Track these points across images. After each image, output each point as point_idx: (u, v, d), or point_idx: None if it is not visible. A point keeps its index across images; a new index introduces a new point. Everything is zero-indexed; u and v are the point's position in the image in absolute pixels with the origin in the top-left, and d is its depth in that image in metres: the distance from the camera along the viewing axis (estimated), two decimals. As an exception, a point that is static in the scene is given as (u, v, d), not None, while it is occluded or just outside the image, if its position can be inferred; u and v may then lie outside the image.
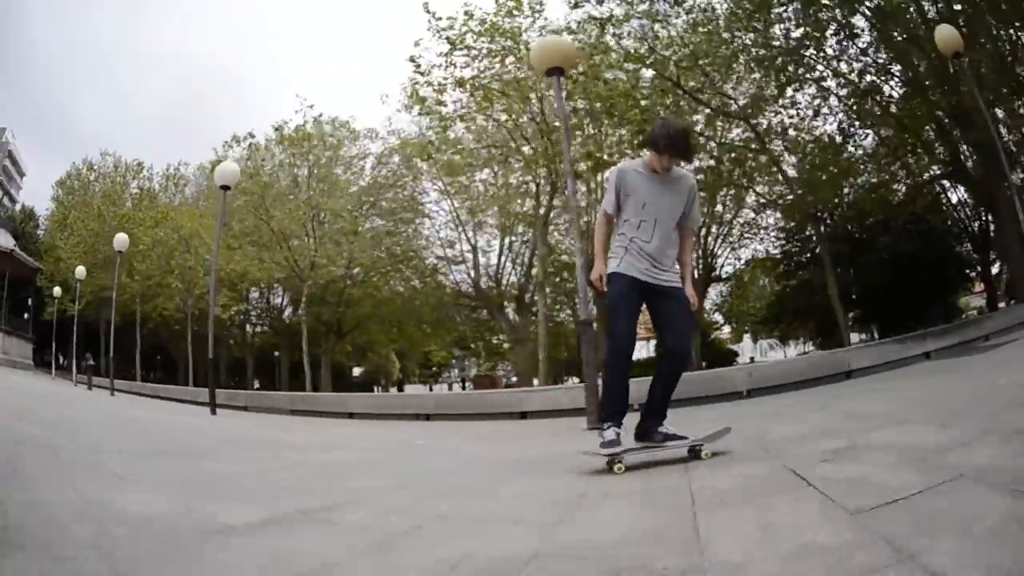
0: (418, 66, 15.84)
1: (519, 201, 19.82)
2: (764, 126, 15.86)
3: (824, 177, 15.05)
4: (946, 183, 17.59)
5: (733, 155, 16.07)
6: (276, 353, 30.47)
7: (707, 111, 15.71)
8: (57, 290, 24.08)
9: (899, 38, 13.08)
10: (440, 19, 15.06)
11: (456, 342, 33.08)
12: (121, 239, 16.57)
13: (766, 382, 8.64)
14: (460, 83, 15.30)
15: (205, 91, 67.38)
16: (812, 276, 20.20)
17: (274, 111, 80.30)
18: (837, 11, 13.51)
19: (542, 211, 17.95)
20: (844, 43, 14.39)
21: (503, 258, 23.97)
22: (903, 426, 3.15)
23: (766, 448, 3.21)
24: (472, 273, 23.97)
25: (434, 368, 44.49)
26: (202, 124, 61.20)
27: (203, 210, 26.39)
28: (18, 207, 39.56)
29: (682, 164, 3.26)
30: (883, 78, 14.91)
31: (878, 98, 14.92)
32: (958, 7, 12.46)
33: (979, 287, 22.74)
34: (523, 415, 8.61)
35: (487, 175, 20.18)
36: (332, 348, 28.62)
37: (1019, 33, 12.41)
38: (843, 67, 14.96)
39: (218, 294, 25.66)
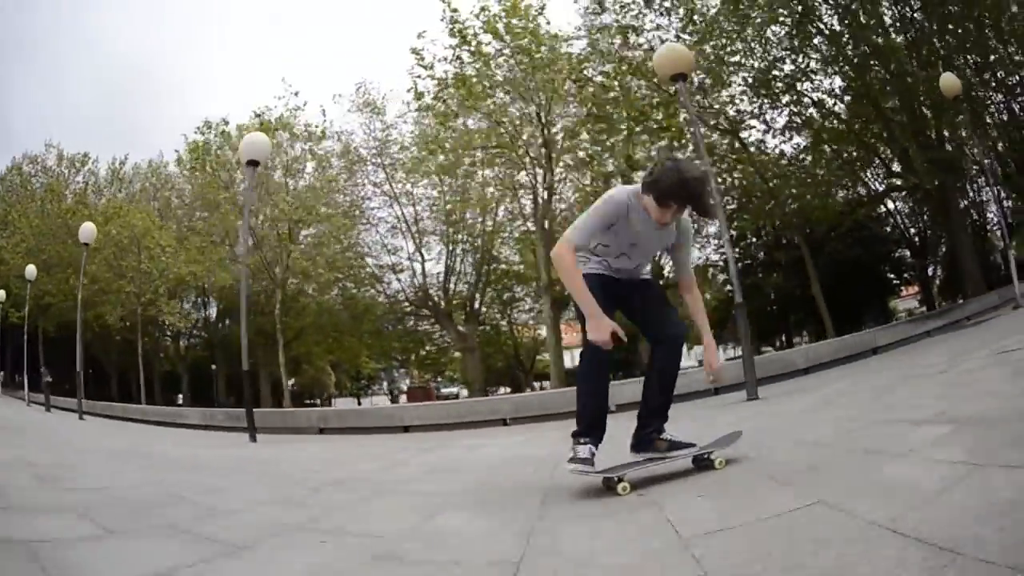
0: (421, 58, 15.97)
1: (510, 201, 20.07)
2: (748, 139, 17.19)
3: (794, 190, 16.53)
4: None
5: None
6: (213, 367, 28.73)
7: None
8: (0, 293, 21.83)
9: (861, 59, 14.71)
10: (456, 10, 15.27)
11: (386, 353, 32.63)
12: (88, 229, 14.82)
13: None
14: (462, 80, 15.49)
15: (141, 87, 62.54)
16: (757, 282, 22.03)
17: (215, 108, 75.92)
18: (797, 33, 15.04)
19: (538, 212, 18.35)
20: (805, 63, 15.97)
21: (450, 267, 24.24)
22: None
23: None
24: (420, 280, 24.17)
25: (363, 381, 43.53)
26: (137, 121, 56.88)
27: (151, 209, 25.80)
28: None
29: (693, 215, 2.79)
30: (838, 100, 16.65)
31: (838, 117, 16.60)
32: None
33: (909, 291, 25.56)
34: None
35: (484, 175, 20.23)
36: (270, 360, 27.34)
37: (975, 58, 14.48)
38: (807, 87, 16.53)
39: (166, 303, 24.32)
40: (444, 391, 39.50)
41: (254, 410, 8.57)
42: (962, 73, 13.97)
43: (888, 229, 21.28)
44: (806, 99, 16.88)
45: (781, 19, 14.77)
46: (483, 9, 15.59)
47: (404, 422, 9.90)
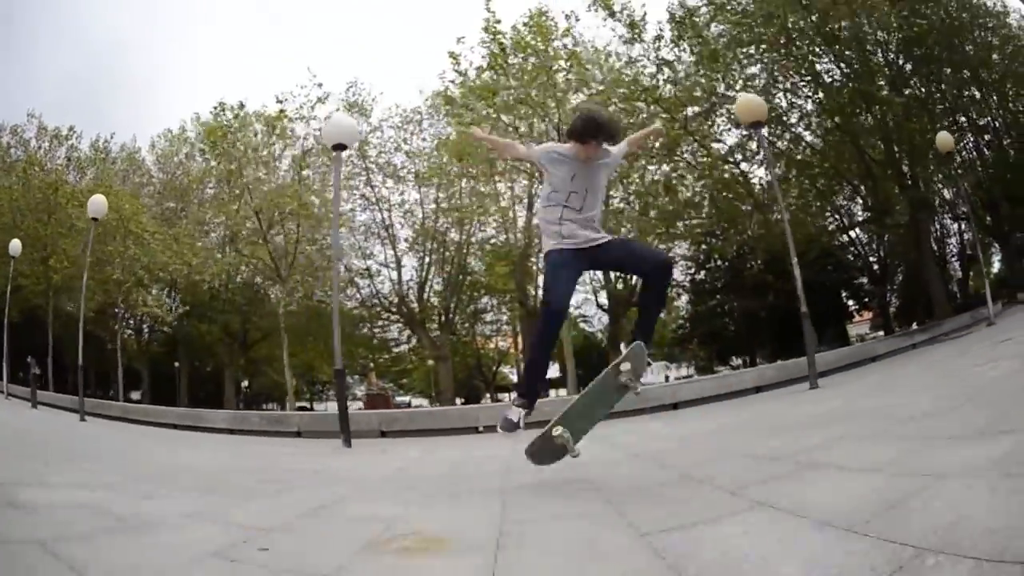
0: (457, 63, 16.71)
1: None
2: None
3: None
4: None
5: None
6: (176, 364, 27.85)
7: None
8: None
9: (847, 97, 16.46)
10: (499, 22, 16.55)
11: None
12: (98, 203, 13.17)
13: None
14: (492, 92, 16.34)
15: (114, 71, 59.49)
16: (720, 303, 23.73)
17: (192, 99, 73.15)
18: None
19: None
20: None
21: (424, 275, 24.55)
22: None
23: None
24: (394, 287, 24.51)
25: (318, 386, 42.96)
26: (110, 107, 54.05)
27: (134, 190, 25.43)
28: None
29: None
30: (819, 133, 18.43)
31: (815, 150, 18.33)
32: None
33: (862, 317, 27.90)
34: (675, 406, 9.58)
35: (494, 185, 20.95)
36: (236, 360, 26.93)
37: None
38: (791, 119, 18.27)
39: (149, 293, 23.59)
40: (396, 399, 39.49)
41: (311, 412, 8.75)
42: (933, 113, 16.00)
43: (851, 257, 23.18)
44: (787, 132, 18.46)
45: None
46: (513, 28, 16.64)
47: (479, 422, 9.73)
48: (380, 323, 27.78)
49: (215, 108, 22.91)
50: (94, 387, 23.56)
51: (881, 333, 23.00)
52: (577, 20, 17.81)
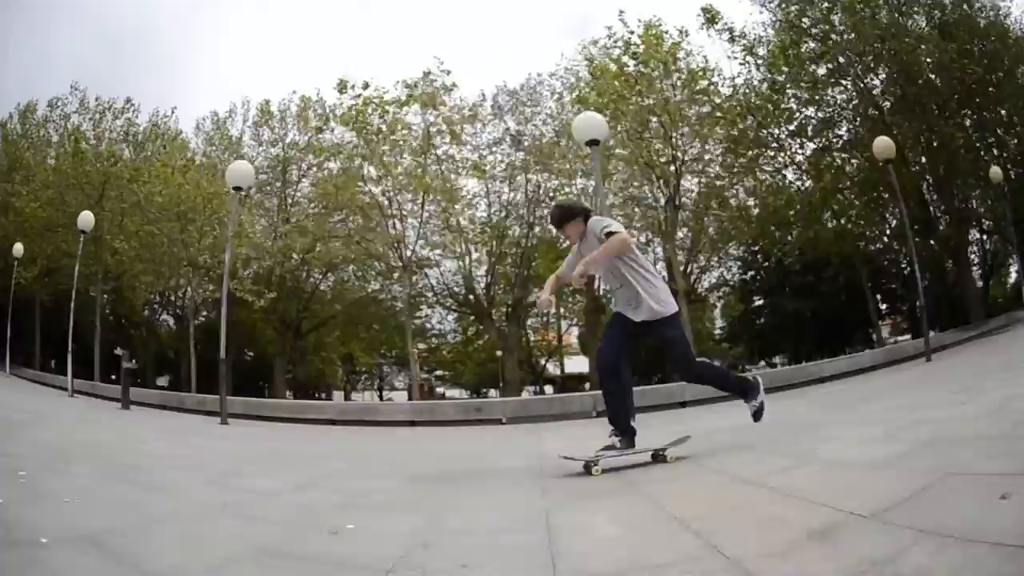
0: (592, 63, 20.44)
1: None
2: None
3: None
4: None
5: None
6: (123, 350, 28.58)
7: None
8: (18, 248, 20.41)
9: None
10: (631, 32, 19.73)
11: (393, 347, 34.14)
12: (242, 171, 12.08)
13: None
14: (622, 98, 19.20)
15: (136, 54, 58.86)
16: (775, 301, 26.19)
17: (220, 85, 72.96)
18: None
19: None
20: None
21: (491, 268, 26.52)
22: None
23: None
24: (464, 278, 26.35)
25: (356, 375, 43.99)
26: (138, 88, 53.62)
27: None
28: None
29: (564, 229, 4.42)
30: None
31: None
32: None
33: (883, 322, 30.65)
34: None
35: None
36: (288, 349, 28.05)
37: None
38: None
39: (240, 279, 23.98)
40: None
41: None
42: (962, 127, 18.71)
43: (886, 262, 25.47)
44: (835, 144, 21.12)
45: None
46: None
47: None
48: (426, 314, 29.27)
49: (339, 86, 23.12)
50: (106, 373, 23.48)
51: (908, 336, 25.87)
52: (686, 36, 20.15)
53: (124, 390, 12.32)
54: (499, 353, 27.28)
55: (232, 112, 28.27)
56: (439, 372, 41.83)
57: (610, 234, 3.97)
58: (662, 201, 21.45)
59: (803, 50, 19.57)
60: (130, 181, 23.65)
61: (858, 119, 20.26)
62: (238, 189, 11.42)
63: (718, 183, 22.32)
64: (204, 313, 28.70)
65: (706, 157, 22.04)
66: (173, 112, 27.33)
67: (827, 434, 4.47)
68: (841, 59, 19.31)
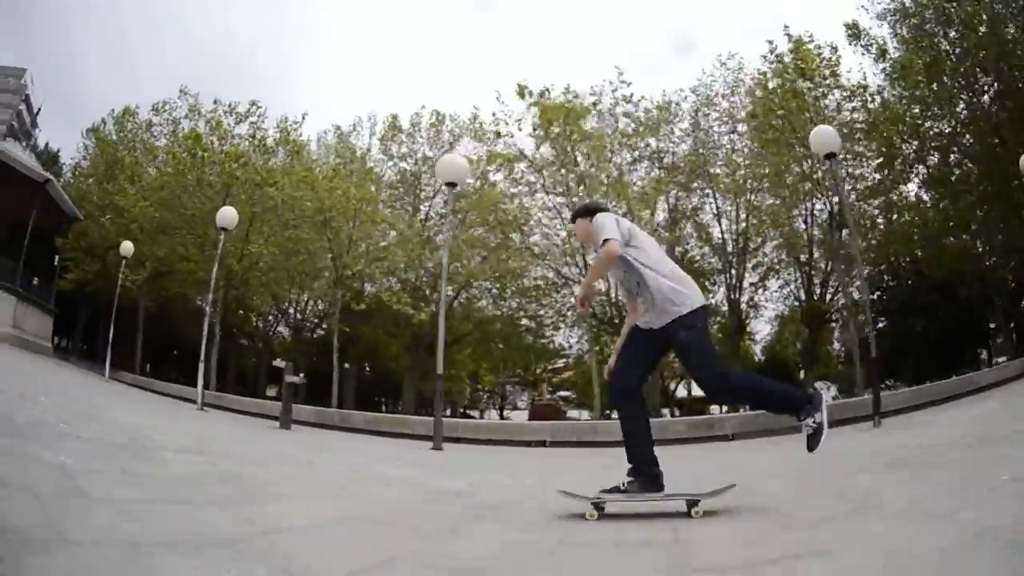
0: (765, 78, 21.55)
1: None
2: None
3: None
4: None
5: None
6: (346, 365, 28.45)
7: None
8: (128, 246, 19.94)
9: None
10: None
11: (524, 365, 34.30)
12: (458, 165, 11.50)
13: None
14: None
15: (220, 69, 59.57)
16: (904, 321, 27.16)
17: (302, 100, 74.57)
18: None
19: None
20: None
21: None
22: None
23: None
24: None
25: (480, 393, 43.80)
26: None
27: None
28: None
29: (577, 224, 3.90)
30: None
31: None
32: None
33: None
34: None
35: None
36: (420, 364, 27.70)
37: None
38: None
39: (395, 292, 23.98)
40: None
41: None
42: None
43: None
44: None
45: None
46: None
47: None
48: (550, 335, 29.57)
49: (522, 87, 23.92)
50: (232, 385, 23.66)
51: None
52: (837, 53, 21.63)
53: (286, 408, 10.95)
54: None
55: (356, 126, 28.69)
56: (563, 392, 41.69)
57: (603, 243, 3.48)
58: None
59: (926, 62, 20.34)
60: (262, 185, 24.03)
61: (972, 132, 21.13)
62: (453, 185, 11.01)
63: (872, 201, 23.44)
64: (323, 325, 28.59)
65: (856, 172, 23.23)
66: (303, 119, 27.56)
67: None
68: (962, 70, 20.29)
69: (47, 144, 36.20)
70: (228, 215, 14.67)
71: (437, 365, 10.03)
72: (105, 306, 26.66)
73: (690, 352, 3.48)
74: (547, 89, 23.79)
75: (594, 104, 23.69)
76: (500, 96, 24.38)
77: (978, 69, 19.95)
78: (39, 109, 38.77)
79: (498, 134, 24.84)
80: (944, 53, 20.10)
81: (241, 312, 28.43)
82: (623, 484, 3.44)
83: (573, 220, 3.91)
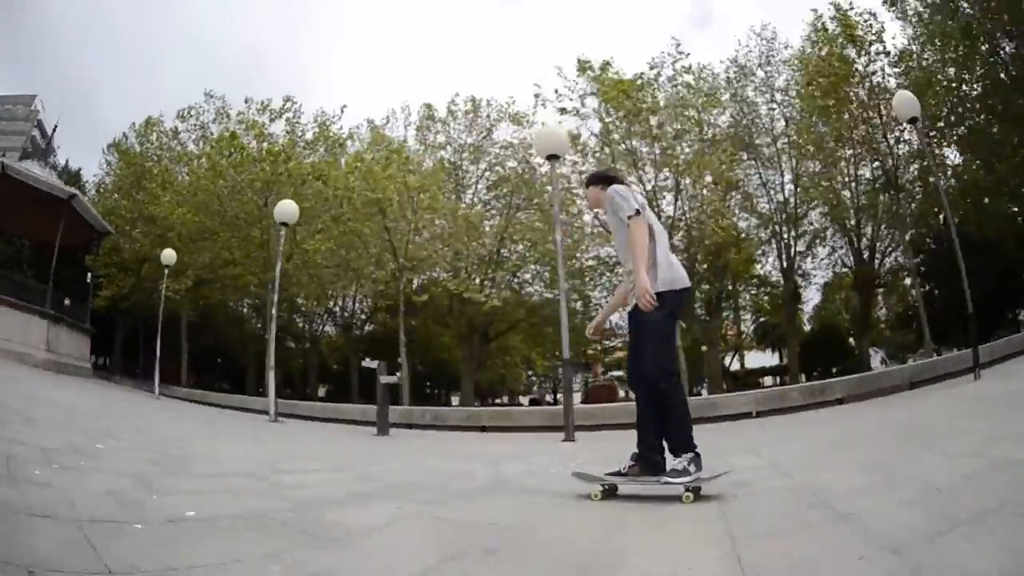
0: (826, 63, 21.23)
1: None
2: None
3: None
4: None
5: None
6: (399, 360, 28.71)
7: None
8: (170, 253, 19.46)
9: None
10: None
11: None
12: (558, 137, 10.78)
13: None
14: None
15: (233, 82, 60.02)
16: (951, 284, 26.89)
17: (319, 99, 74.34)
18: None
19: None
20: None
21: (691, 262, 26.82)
22: None
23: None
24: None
25: (533, 377, 44.08)
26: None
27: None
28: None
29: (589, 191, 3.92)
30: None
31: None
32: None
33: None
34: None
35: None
36: (476, 355, 28.00)
37: None
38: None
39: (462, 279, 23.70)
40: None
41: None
42: None
43: None
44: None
45: None
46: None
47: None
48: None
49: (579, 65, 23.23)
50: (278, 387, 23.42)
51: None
52: (874, 17, 21.46)
53: (382, 411, 10.21)
54: (704, 348, 27.27)
55: (389, 118, 28.48)
56: (616, 372, 41.76)
57: (630, 218, 3.37)
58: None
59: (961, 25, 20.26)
60: (309, 180, 23.76)
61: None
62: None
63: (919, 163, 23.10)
64: (371, 321, 28.73)
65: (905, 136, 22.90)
66: (343, 111, 27.28)
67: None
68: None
69: (67, 162, 35.60)
70: (288, 209, 13.75)
71: (563, 350, 9.46)
72: (144, 320, 26.88)
73: (637, 335, 3.38)
74: (607, 63, 22.82)
75: (655, 76, 22.78)
76: (561, 71, 23.46)
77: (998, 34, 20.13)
78: (55, 128, 38.49)
79: (563, 110, 23.38)
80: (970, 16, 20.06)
81: (283, 315, 28.50)
82: (624, 467, 3.46)
83: (587, 185, 3.93)
